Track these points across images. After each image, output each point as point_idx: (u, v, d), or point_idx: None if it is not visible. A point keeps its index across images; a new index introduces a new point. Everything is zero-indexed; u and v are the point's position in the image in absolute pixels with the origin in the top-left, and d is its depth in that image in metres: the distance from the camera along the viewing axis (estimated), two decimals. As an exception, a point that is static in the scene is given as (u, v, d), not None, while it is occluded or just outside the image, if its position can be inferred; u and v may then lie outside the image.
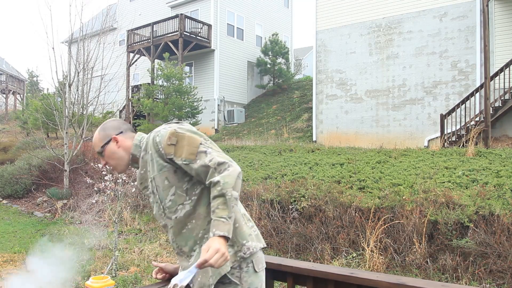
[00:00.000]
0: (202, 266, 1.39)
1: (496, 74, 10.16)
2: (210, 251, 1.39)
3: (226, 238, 1.45)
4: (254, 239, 1.71)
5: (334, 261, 6.09)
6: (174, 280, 1.42)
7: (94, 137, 1.80)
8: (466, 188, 6.55)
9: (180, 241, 1.68)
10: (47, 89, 28.32)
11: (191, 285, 1.65)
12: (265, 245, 1.80)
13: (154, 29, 18.53)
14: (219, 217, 1.47)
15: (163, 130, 1.66)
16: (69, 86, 13.41)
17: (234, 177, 1.52)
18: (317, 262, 5.91)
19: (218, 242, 1.42)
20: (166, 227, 1.73)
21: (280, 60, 21.08)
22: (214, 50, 19.07)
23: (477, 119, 10.28)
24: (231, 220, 1.48)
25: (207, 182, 1.56)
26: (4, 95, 30.84)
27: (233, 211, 1.50)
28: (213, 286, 1.62)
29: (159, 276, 1.85)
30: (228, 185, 1.50)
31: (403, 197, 6.45)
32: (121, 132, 1.78)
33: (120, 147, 1.75)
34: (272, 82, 21.31)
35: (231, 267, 1.64)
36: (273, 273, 2.07)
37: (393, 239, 6.07)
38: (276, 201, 7.45)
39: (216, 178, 1.52)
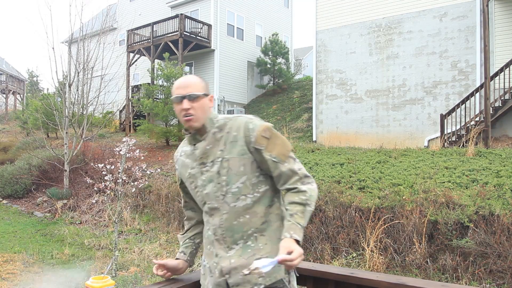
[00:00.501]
0: (284, 263, 1.43)
1: (496, 74, 10.16)
2: (296, 253, 1.43)
3: (298, 244, 1.51)
4: None
5: (334, 261, 6.09)
6: (256, 264, 1.45)
7: (194, 80, 1.69)
8: (466, 188, 6.55)
9: (227, 230, 1.64)
10: (47, 89, 28.34)
11: (226, 276, 1.64)
12: None
13: (154, 29, 18.53)
14: (297, 223, 1.54)
15: (257, 121, 1.65)
16: (69, 86, 13.41)
17: (316, 193, 1.62)
18: (317, 262, 5.91)
19: (297, 245, 1.47)
20: (214, 210, 1.67)
21: (280, 60, 21.09)
22: (214, 50, 19.07)
23: (477, 119, 10.28)
24: (303, 229, 1.55)
25: (284, 186, 1.62)
26: (4, 95, 30.84)
27: (306, 224, 1.56)
28: (263, 286, 1.62)
29: (160, 272, 1.81)
30: (312, 199, 1.59)
31: (403, 197, 6.45)
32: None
33: (209, 107, 1.70)
34: (272, 82, 21.31)
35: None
36: (273, 273, 2.07)
37: (393, 239, 6.07)
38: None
39: (303, 187, 1.59)
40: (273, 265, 1.44)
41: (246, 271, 1.50)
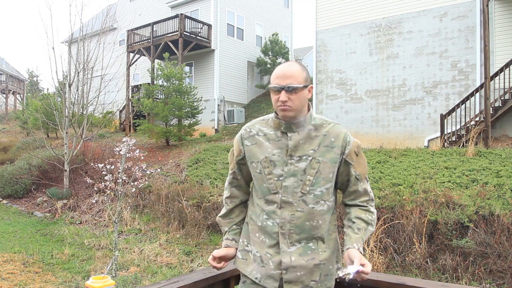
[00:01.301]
0: (361, 273, 1.51)
1: (496, 74, 10.16)
2: (369, 267, 1.51)
3: None
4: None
5: (334, 261, 6.08)
6: (349, 269, 1.51)
7: (295, 68, 1.63)
8: (466, 188, 6.55)
9: (296, 227, 1.64)
10: (47, 89, 28.33)
11: (283, 272, 1.67)
12: None
13: (154, 29, 18.53)
14: (362, 237, 1.64)
15: (351, 136, 1.72)
16: (69, 86, 13.41)
17: (376, 218, 1.75)
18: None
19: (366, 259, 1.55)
20: (287, 204, 1.65)
21: (280, 60, 21.09)
22: (214, 50, 19.07)
23: (477, 119, 10.28)
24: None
25: (354, 202, 1.73)
26: (4, 95, 30.84)
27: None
28: None
29: (218, 264, 1.76)
30: (375, 222, 1.72)
31: (403, 197, 6.45)
32: None
33: (307, 99, 1.67)
34: (272, 82, 21.29)
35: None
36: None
37: (393, 239, 6.07)
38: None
39: (372, 209, 1.72)
40: (355, 273, 1.51)
41: (340, 274, 1.51)
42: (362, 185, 1.71)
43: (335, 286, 1.75)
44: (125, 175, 7.31)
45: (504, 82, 10.20)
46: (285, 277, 1.64)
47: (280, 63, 20.82)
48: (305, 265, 1.63)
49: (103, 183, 7.01)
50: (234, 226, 1.84)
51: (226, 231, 1.84)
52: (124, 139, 7.14)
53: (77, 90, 13.86)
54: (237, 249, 1.81)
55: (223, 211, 1.87)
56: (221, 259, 1.77)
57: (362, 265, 1.50)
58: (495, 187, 6.33)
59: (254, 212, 1.76)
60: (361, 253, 1.57)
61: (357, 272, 1.49)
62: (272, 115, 1.74)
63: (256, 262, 1.71)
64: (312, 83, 1.72)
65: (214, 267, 1.76)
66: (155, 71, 16.47)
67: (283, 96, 1.59)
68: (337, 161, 1.66)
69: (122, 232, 8.81)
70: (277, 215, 1.65)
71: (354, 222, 1.67)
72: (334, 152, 1.66)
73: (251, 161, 1.72)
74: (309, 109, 1.70)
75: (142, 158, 7.73)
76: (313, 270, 1.64)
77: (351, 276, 1.48)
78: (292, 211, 1.64)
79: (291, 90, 1.59)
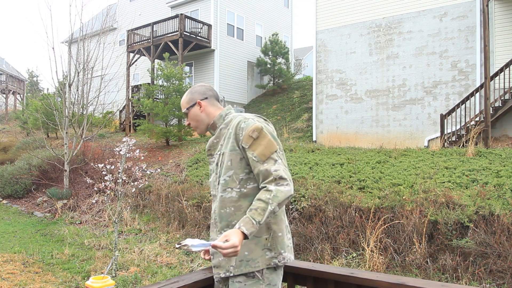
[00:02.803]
0: (215, 248, 1.55)
1: (496, 74, 10.16)
2: (228, 244, 1.52)
3: (245, 237, 1.60)
4: (290, 251, 1.85)
5: (334, 261, 6.09)
6: (187, 241, 1.56)
7: (182, 99, 1.97)
8: (466, 188, 6.55)
9: (217, 216, 1.83)
10: (47, 89, 28.32)
11: (211, 257, 1.85)
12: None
13: (154, 29, 18.53)
14: (252, 217, 1.62)
15: (251, 121, 1.79)
16: (69, 86, 13.41)
17: (285, 196, 1.66)
18: (317, 262, 5.91)
19: (238, 237, 1.55)
20: (213, 197, 1.89)
21: (280, 60, 21.08)
22: (214, 50, 19.07)
23: (477, 119, 10.28)
24: (258, 226, 1.62)
25: (261, 185, 1.72)
26: (4, 95, 30.84)
27: (265, 222, 1.65)
28: (232, 274, 1.77)
29: (207, 257, 1.89)
30: (276, 199, 1.64)
31: (403, 197, 6.45)
32: (206, 98, 1.96)
33: (203, 111, 1.93)
34: (272, 82, 21.31)
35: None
36: (273, 273, 2.07)
37: (393, 239, 6.07)
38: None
39: (271, 187, 1.66)
40: (204, 247, 1.57)
41: (176, 245, 1.57)
42: (264, 166, 1.70)
43: (336, 286, 1.75)
44: (125, 175, 7.31)
45: (504, 82, 10.20)
46: (212, 262, 1.84)
47: (280, 63, 20.83)
48: None
49: (103, 183, 7.01)
50: None
51: None
52: (124, 139, 7.14)
53: (77, 90, 13.86)
54: None
55: None
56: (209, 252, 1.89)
57: (227, 240, 1.53)
58: (495, 187, 6.33)
59: None
60: (243, 233, 1.57)
61: (206, 246, 1.55)
62: None
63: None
64: (199, 98, 1.96)
65: (207, 259, 1.90)
66: (155, 71, 16.47)
67: (186, 120, 2.00)
68: (235, 149, 1.78)
69: (122, 232, 8.81)
70: (212, 208, 1.91)
71: (252, 205, 1.67)
72: (231, 141, 1.79)
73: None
74: (218, 113, 1.94)
75: (142, 158, 7.72)
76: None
77: (193, 249, 1.54)
78: (216, 202, 1.85)
79: (186, 115, 1.98)
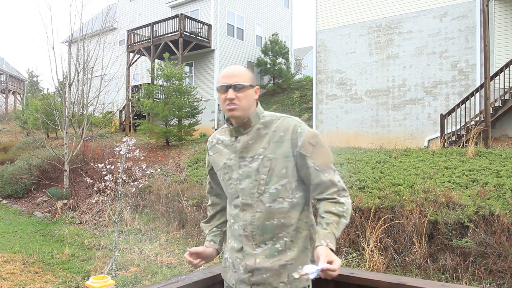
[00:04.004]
0: (326, 272, 1.40)
1: (496, 74, 10.16)
2: (337, 263, 1.41)
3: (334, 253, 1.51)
4: None
5: (334, 261, 6.08)
6: (306, 269, 1.42)
7: (243, 70, 1.68)
8: (466, 188, 6.55)
9: (257, 229, 1.63)
10: (47, 89, 28.34)
11: (249, 274, 1.65)
12: None
13: (154, 29, 18.53)
14: (333, 232, 1.52)
15: (305, 126, 1.64)
16: (69, 86, 13.41)
17: (351, 208, 1.62)
18: (317, 262, 5.90)
19: (335, 255, 1.45)
20: (247, 206, 1.65)
21: (280, 60, 21.08)
22: (214, 50, 19.07)
23: (477, 119, 10.28)
24: (336, 239, 1.54)
25: (322, 195, 1.61)
26: (4, 95, 30.84)
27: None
28: None
29: (194, 260, 1.74)
30: (348, 212, 1.59)
31: (403, 197, 6.45)
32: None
33: (254, 99, 1.69)
34: (272, 82, 21.31)
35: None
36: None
37: (393, 239, 6.07)
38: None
39: (342, 200, 1.59)
40: (317, 272, 1.42)
41: (296, 275, 1.43)
42: (327, 175, 1.60)
43: (336, 285, 1.75)
44: (125, 175, 7.31)
45: (504, 82, 10.20)
46: (252, 279, 1.64)
47: (280, 63, 20.83)
48: (271, 266, 1.60)
49: (103, 183, 7.01)
50: (214, 229, 1.88)
51: (207, 234, 1.88)
52: (124, 139, 7.14)
53: (77, 90, 13.86)
54: (216, 250, 1.83)
55: (207, 217, 1.94)
56: (197, 255, 1.75)
57: (330, 262, 1.40)
58: (495, 187, 6.33)
59: (228, 219, 1.78)
60: (331, 250, 1.47)
61: (322, 270, 1.39)
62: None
63: (230, 269, 1.72)
64: (258, 86, 1.72)
65: (190, 262, 1.74)
66: (155, 71, 16.48)
67: (230, 93, 1.61)
68: (290, 155, 1.61)
69: (122, 232, 8.81)
70: (240, 218, 1.66)
71: (323, 217, 1.57)
72: (284, 147, 1.61)
73: (216, 169, 1.77)
74: (256, 109, 1.70)
75: (142, 158, 7.72)
76: (279, 271, 1.60)
77: (311, 276, 1.39)
78: (253, 212, 1.63)
79: (238, 88, 1.61)
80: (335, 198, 1.59)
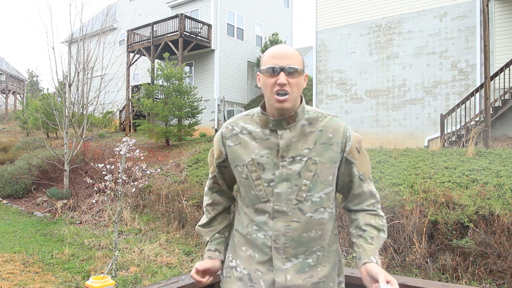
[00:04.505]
0: None
1: (496, 74, 10.16)
2: (395, 283, 1.27)
3: None
4: None
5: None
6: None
7: (295, 51, 1.40)
8: (466, 188, 6.55)
9: (291, 241, 1.40)
10: (47, 89, 28.34)
11: None
12: None
13: (154, 29, 18.53)
14: (377, 248, 1.41)
15: (351, 130, 1.48)
16: (69, 86, 13.41)
17: None
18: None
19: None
20: (281, 214, 1.39)
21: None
22: (214, 50, 19.08)
23: (477, 119, 10.28)
24: None
25: (360, 206, 1.49)
26: (4, 95, 30.85)
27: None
28: None
29: (203, 279, 1.51)
30: (386, 226, 1.48)
31: (403, 197, 6.45)
32: None
33: (303, 86, 1.42)
34: (272, 82, 21.30)
35: None
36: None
37: (393, 239, 6.07)
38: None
39: (382, 213, 1.49)
40: None
41: None
42: (367, 186, 1.47)
43: None
44: (125, 175, 7.31)
45: (504, 82, 10.20)
46: None
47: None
48: (302, 284, 1.39)
49: (103, 183, 7.01)
50: (217, 235, 1.58)
51: (208, 241, 1.58)
52: (124, 139, 7.14)
53: (77, 90, 13.87)
54: (222, 261, 1.56)
55: (203, 219, 1.62)
56: (205, 272, 1.51)
57: (388, 281, 1.27)
58: (495, 187, 6.33)
59: (240, 222, 1.52)
60: (379, 265, 1.34)
61: None
62: (258, 109, 1.48)
63: (242, 281, 1.45)
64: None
65: (199, 281, 1.49)
66: (155, 71, 16.48)
67: (282, 77, 1.33)
68: (337, 161, 1.42)
69: (122, 232, 8.81)
70: (269, 227, 1.40)
71: (365, 230, 1.42)
72: (333, 150, 1.41)
73: (235, 164, 1.47)
74: (301, 101, 1.45)
75: (142, 158, 7.72)
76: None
77: None
78: (287, 221, 1.39)
79: (292, 72, 1.35)
80: (375, 210, 1.48)
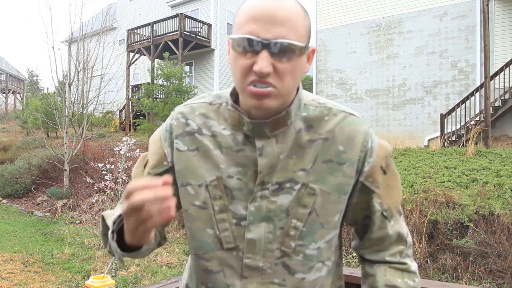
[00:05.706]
0: None
1: (496, 73, 10.16)
2: None
3: None
4: None
5: (334, 260, 6.08)
6: None
7: (292, 11, 0.76)
8: (466, 188, 6.55)
9: None
10: (47, 89, 28.35)
11: None
12: None
13: (154, 29, 18.52)
14: None
15: (374, 135, 0.91)
16: (69, 86, 13.41)
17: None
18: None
19: None
20: (255, 271, 0.87)
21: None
22: (214, 49, 19.07)
23: (477, 118, 10.28)
24: None
25: (381, 255, 0.95)
26: (4, 95, 30.85)
27: None
28: None
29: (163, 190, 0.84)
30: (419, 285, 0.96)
31: (403, 197, 6.45)
32: None
33: (303, 71, 0.82)
34: (272, 81, 21.30)
35: None
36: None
37: (393, 239, 6.07)
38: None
39: (414, 266, 0.96)
40: None
41: None
42: (394, 225, 0.93)
43: None
44: (125, 174, 7.31)
45: (504, 82, 10.20)
46: None
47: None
48: None
49: (103, 182, 7.02)
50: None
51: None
52: (124, 139, 7.15)
53: (77, 89, 13.87)
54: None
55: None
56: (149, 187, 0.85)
57: None
58: (495, 186, 6.34)
59: (190, 276, 1.03)
60: None
61: None
62: (227, 96, 0.96)
63: None
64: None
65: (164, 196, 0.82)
66: (155, 71, 16.48)
67: (263, 62, 0.74)
68: (349, 190, 0.89)
69: (122, 231, 8.80)
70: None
71: None
72: (343, 174, 0.87)
73: (185, 181, 0.90)
74: (297, 92, 0.87)
75: (142, 157, 7.72)
76: None
77: None
78: (265, 284, 0.87)
79: (284, 51, 0.76)
80: (404, 264, 0.94)
